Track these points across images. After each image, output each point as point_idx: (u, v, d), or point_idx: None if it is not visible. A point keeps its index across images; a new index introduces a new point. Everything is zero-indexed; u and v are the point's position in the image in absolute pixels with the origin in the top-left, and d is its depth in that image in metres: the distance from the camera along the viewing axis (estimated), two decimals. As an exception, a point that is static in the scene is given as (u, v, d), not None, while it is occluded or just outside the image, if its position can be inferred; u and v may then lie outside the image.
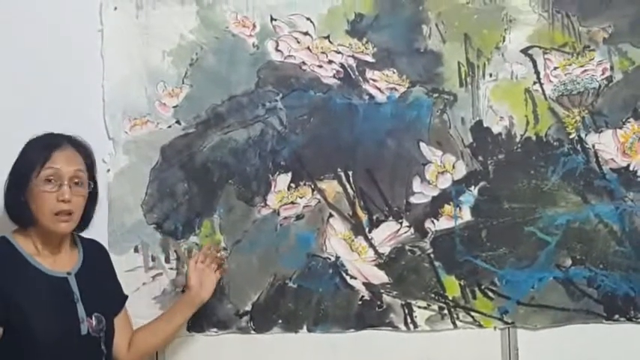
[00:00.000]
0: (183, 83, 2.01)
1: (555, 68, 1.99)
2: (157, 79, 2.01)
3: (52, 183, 1.65)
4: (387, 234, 1.98)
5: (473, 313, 1.97)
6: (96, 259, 1.81)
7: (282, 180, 1.99)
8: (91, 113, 1.98)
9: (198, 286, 1.88)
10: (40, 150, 1.67)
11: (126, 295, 1.88)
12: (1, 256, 1.65)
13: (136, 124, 2.00)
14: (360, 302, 1.97)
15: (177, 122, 2.00)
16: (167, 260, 1.99)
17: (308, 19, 2.01)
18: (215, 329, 1.97)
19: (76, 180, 1.68)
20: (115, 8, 2.01)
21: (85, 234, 1.79)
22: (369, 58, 2.00)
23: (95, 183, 1.75)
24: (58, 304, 1.65)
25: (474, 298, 1.96)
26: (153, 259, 1.98)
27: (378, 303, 1.97)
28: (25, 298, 1.60)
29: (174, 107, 2.01)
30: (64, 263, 1.71)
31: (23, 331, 1.59)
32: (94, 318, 1.68)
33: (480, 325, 1.97)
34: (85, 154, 1.73)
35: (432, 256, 1.97)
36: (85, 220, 1.75)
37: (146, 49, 2.01)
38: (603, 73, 1.98)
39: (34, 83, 1.98)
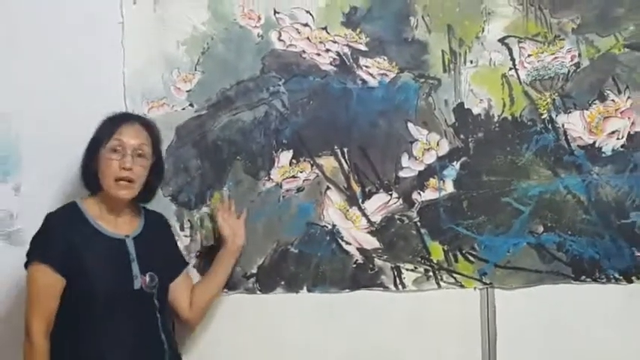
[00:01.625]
0: (195, 70, 2.11)
1: (529, 56, 2.10)
2: (172, 66, 2.12)
3: (117, 153, 1.81)
4: (379, 204, 2.10)
5: (455, 275, 2.09)
6: (157, 227, 1.96)
7: (285, 156, 2.11)
8: (113, 97, 2.09)
9: (232, 235, 2.02)
10: (109, 124, 1.85)
11: (187, 262, 2.03)
12: (67, 218, 1.81)
13: (153, 106, 2.11)
14: (354, 265, 2.09)
15: (191, 105, 2.11)
16: (182, 228, 2.10)
17: (307, 12, 2.12)
18: (225, 290, 2.07)
19: (139, 152, 1.83)
20: (135, 3, 2.12)
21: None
22: (363, 47, 2.12)
23: (159, 157, 1.92)
24: (114, 262, 1.80)
25: (456, 261, 2.09)
26: (169, 228, 2.08)
27: (371, 266, 2.09)
28: (85, 254, 1.76)
29: (187, 91, 2.11)
30: (124, 227, 1.86)
31: (82, 283, 1.75)
32: (147, 276, 1.82)
33: (462, 286, 2.09)
34: (151, 131, 1.90)
35: (418, 224, 2.09)
36: (149, 191, 1.92)
37: (162, 39, 2.12)
38: (572, 60, 2.10)
39: (63, 72, 2.10)
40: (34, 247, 1.79)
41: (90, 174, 1.85)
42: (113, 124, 1.85)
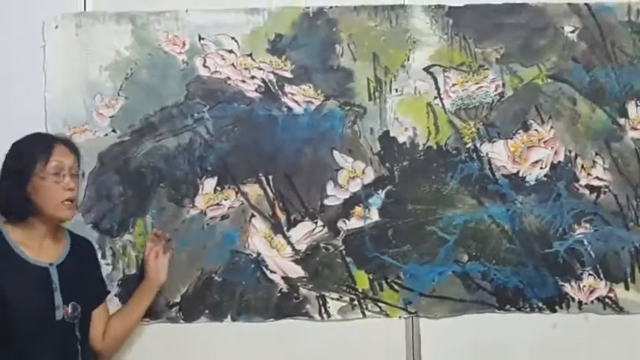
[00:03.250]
0: (119, 95, 2.10)
1: (454, 85, 2.13)
2: (94, 91, 2.10)
3: (58, 175, 1.77)
4: (304, 233, 2.09)
5: (380, 304, 2.08)
6: (82, 254, 1.92)
7: (209, 183, 2.09)
8: (34, 122, 2.04)
9: (155, 274, 1.99)
10: (40, 147, 1.78)
11: (108, 290, 2.00)
12: None
13: (75, 132, 2.09)
14: (279, 294, 2.08)
15: (114, 131, 2.10)
16: (103, 256, 2.07)
17: (233, 38, 2.13)
18: (147, 318, 2.03)
19: (73, 172, 1.81)
20: (57, 26, 2.11)
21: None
22: (288, 74, 2.12)
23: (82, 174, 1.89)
24: (36, 291, 1.76)
25: (382, 290, 2.08)
26: (90, 256, 2.04)
27: (295, 295, 2.08)
28: (5, 282, 1.71)
29: (110, 117, 2.10)
30: (48, 254, 1.81)
31: (1, 312, 1.69)
32: (70, 306, 1.78)
33: (387, 315, 2.09)
34: (73, 148, 1.86)
35: (343, 252, 2.09)
36: None
37: (85, 64, 2.11)
38: (496, 90, 2.13)
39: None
40: None
41: (19, 202, 1.77)
42: (44, 146, 1.80)
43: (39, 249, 1.80)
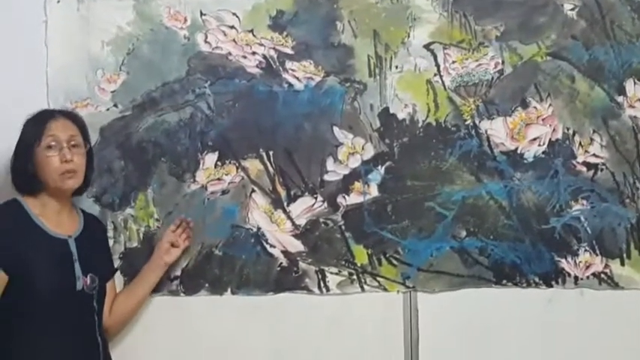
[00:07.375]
0: (120, 70, 2.11)
1: (453, 62, 2.13)
2: (96, 66, 2.11)
3: (54, 148, 1.81)
4: (304, 208, 2.11)
5: (379, 279, 2.10)
6: (94, 229, 1.98)
7: (210, 158, 2.11)
8: (36, 97, 2.06)
9: (164, 251, 2.03)
10: (37, 123, 1.84)
11: (116, 267, 2.05)
12: (10, 215, 1.82)
13: (77, 106, 2.09)
14: (278, 268, 2.10)
15: (115, 105, 2.11)
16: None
17: (234, 14, 2.13)
18: None
19: (73, 142, 1.85)
20: (59, 1, 2.11)
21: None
22: (289, 51, 2.13)
23: (89, 144, 1.91)
24: (58, 262, 1.82)
25: (380, 265, 2.10)
26: (92, 229, 2.07)
27: (295, 269, 2.10)
28: (29, 252, 1.77)
29: (112, 92, 2.11)
30: (66, 227, 1.87)
31: (25, 281, 1.75)
32: (88, 277, 1.84)
33: (385, 289, 2.10)
34: (76, 120, 1.90)
35: (343, 227, 2.10)
36: (86, 179, 1.91)
37: (87, 39, 2.11)
38: (495, 67, 2.13)
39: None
40: None
41: (27, 176, 1.83)
42: (40, 122, 1.85)
43: (57, 222, 1.86)
